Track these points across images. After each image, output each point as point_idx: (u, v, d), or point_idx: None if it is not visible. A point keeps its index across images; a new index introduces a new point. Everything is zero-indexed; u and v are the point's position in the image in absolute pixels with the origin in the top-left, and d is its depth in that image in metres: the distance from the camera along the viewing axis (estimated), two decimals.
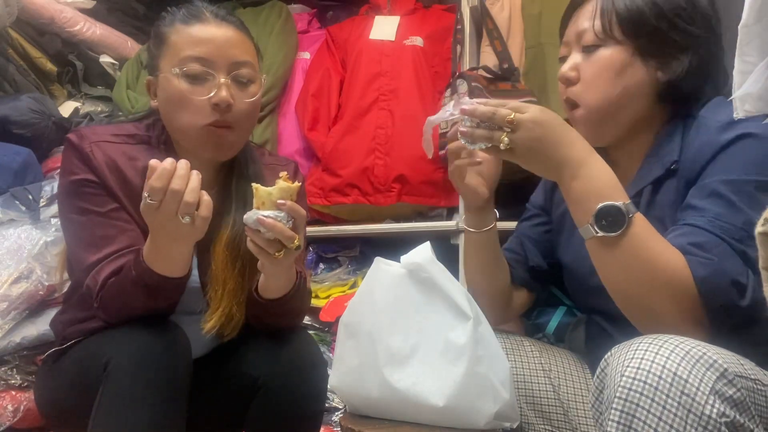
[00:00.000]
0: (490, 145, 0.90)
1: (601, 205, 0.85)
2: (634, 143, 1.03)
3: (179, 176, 0.90)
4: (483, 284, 1.10)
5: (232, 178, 1.17)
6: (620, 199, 0.85)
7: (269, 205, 0.94)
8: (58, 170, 1.89)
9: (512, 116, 0.87)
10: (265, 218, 0.92)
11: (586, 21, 1.01)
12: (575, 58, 1.02)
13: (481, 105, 0.90)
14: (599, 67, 0.99)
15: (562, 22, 1.09)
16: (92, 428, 0.94)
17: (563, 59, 1.06)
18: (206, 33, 1.07)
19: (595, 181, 0.88)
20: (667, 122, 1.01)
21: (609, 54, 0.98)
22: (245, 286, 1.11)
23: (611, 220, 0.85)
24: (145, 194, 0.90)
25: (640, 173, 1.02)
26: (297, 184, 0.96)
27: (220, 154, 1.11)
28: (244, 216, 0.95)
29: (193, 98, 1.05)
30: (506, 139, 0.88)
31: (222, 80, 1.06)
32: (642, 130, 1.02)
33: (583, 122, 1.01)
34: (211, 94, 1.05)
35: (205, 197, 0.93)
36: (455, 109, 0.92)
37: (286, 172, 0.97)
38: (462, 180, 1.08)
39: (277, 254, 0.96)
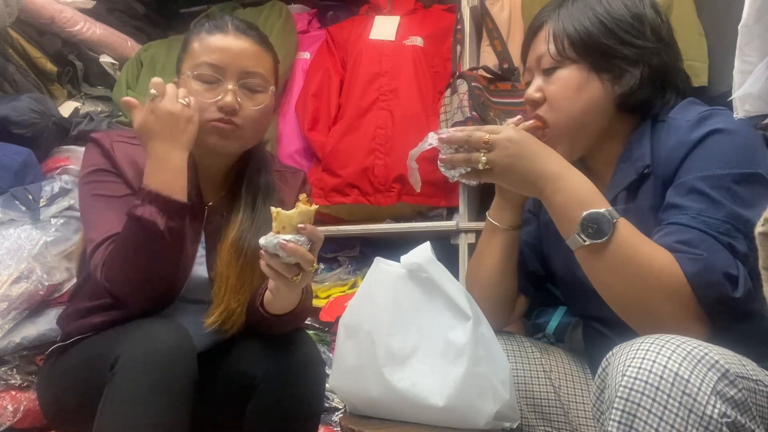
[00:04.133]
0: (469, 169, 0.95)
1: (585, 213, 0.88)
2: (606, 151, 1.07)
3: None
4: (492, 289, 1.10)
5: (241, 182, 1.21)
6: (602, 206, 0.88)
7: (289, 229, 0.94)
8: (58, 170, 1.92)
9: (487, 137, 0.92)
10: (287, 243, 0.93)
11: (543, 46, 1.06)
12: (538, 81, 1.07)
13: (458, 131, 0.95)
14: (560, 87, 1.03)
15: (523, 49, 1.14)
16: (97, 426, 0.94)
17: (528, 84, 1.10)
18: (223, 43, 1.15)
19: (576, 192, 0.91)
20: (635, 127, 1.04)
21: (567, 74, 1.03)
22: (246, 283, 1.14)
23: (596, 227, 0.87)
24: (151, 91, 1.04)
25: (613, 179, 1.04)
26: (315, 207, 0.97)
27: (224, 144, 1.15)
28: (262, 240, 0.96)
29: (202, 99, 1.12)
30: (483, 158, 0.93)
31: (230, 86, 1.12)
32: (611, 138, 1.05)
33: (554, 139, 1.04)
34: (218, 98, 1.12)
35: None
36: (433, 139, 0.98)
37: (305, 195, 0.98)
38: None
39: (294, 278, 0.97)
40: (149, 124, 1.04)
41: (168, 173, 1.04)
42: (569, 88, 1.02)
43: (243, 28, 1.18)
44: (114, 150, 1.14)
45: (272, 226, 0.95)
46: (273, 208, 0.96)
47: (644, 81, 1.01)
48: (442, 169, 0.99)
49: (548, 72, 1.05)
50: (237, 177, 1.24)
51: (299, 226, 0.94)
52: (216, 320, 1.11)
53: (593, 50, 1.01)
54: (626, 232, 0.87)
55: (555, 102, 1.03)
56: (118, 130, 1.25)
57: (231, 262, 1.13)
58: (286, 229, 0.94)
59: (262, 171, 1.23)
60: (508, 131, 0.94)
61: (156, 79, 1.05)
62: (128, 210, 1.02)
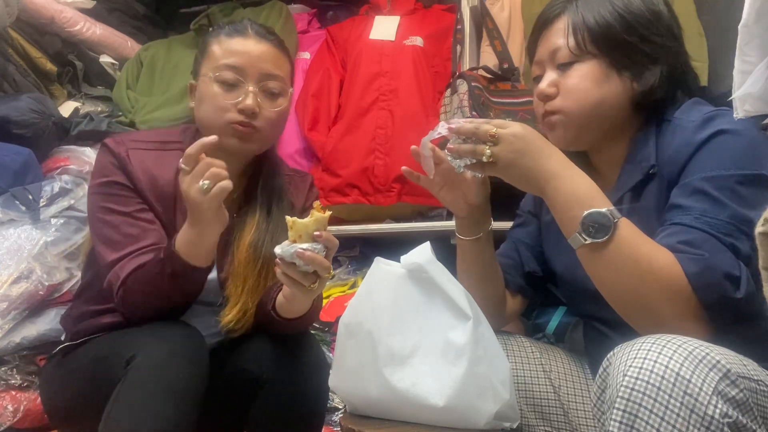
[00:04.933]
0: (474, 161, 0.95)
1: (586, 212, 0.88)
2: (611, 149, 1.06)
3: (209, 160, 0.99)
4: (476, 292, 1.09)
5: (256, 184, 1.23)
6: (603, 205, 0.88)
7: (305, 238, 0.94)
8: (58, 170, 1.92)
9: (494, 131, 0.92)
10: (304, 251, 0.93)
11: (559, 39, 1.03)
12: (551, 75, 1.04)
13: (467, 123, 0.95)
14: (577, 80, 1.01)
15: (531, 41, 1.11)
16: (106, 420, 0.94)
17: (537, 78, 1.07)
18: (243, 46, 1.16)
19: (578, 191, 0.91)
20: (641, 127, 1.03)
21: (586, 69, 1.01)
22: (262, 284, 1.16)
23: (597, 226, 0.87)
24: (182, 162, 0.98)
25: (620, 180, 1.03)
26: (329, 213, 0.97)
27: (244, 147, 1.16)
28: (278, 250, 0.96)
29: (223, 101, 1.14)
30: (488, 151, 0.93)
31: (251, 89, 1.13)
32: (618, 136, 1.04)
33: (560, 125, 1.03)
34: (239, 99, 1.13)
35: (226, 181, 1.00)
36: (443, 128, 0.98)
37: (319, 202, 0.99)
38: (437, 192, 1.10)
39: (311, 286, 0.98)
40: (184, 196, 1.01)
41: (198, 247, 1.04)
42: (588, 81, 1.00)
43: (263, 33, 1.19)
44: (130, 158, 1.13)
45: (288, 235, 0.96)
46: (288, 218, 0.96)
47: (663, 79, 1.00)
48: (448, 158, 0.99)
49: (564, 67, 1.02)
50: (250, 179, 1.25)
51: (315, 233, 0.95)
52: (232, 319, 1.12)
53: (615, 45, 0.99)
54: (627, 231, 0.87)
55: (570, 94, 1.01)
56: (133, 134, 1.24)
57: (249, 264, 1.14)
58: (302, 238, 0.94)
59: (276, 174, 1.25)
60: (516, 127, 0.94)
61: (189, 150, 0.98)
62: (151, 262, 1.04)
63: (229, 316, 1.12)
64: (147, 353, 0.97)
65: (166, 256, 1.03)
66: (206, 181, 0.97)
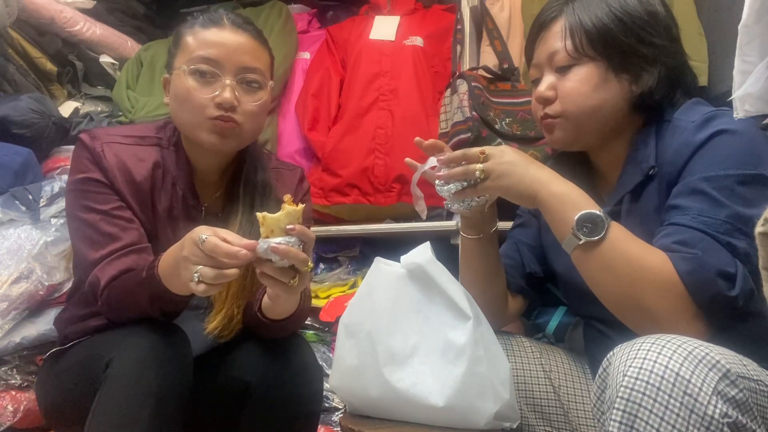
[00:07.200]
0: (465, 184, 0.99)
1: (580, 213, 0.90)
2: (611, 150, 1.06)
3: (231, 265, 0.89)
4: (478, 292, 1.10)
5: (239, 182, 1.18)
6: (595, 209, 0.90)
7: (278, 232, 0.91)
8: (58, 170, 1.92)
9: (483, 148, 0.98)
10: (278, 246, 0.90)
11: (557, 42, 1.03)
12: (549, 78, 1.05)
13: (453, 152, 1.01)
14: (576, 83, 1.01)
15: (528, 44, 1.11)
16: (88, 427, 0.93)
17: (536, 81, 1.08)
18: (219, 37, 1.10)
19: (570, 195, 0.94)
20: (641, 128, 1.04)
21: (584, 72, 1.01)
22: (247, 288, 1.12)
23: (591, 226, 0.89)
24: (203, 236, 0.89)
25: (620, 181, 1.04)
26: (302, 206, 0.94)
27: (224, 144, 1.11)
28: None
29: (199, 95, 1.08)
30: (480, 165, 0.97)
31: (227, 82, 1.08)
32: (618, 136, 1.05)
33: (559, 128, 1.04)
34: (216, 93, 1.08)
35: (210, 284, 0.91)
36: (431, 162, 1.04)
37: (290, 195, 0.95)
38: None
39: (291, 282, 0.94)
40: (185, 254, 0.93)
41: (180, 282, 0.96)
42: (587, 84, 1.00)
43: (239, 23, 1.13)
44: (104, 153, 1.10)
45: (260, 231, 0.92)
46: (258, 213, 0.92)
47: (662, 80, 1.00)
48: (437, 188, 1.03)
49: (563, 70, 1.03)
50: (233, 176, 1.21)
51: (288, 227, 0.91)
52: (217, 326, 1.09)
53: (613, 48, 0.99)
54: (619, 233, 0.89)
55: (569, 97, 1.02)
56: (110, 128, 1.21)
57: None
58: (274, 233, 0.91)
59: (259, 170, 1.20)
60: (502, 146, 0.99)
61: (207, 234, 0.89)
62: (131, 275, 1.01)
63: (214, 322, 1.09)
64: (122, 357, 0.94)
65: (147, 277, 0.98)
66: (197, 277, 0.89)
